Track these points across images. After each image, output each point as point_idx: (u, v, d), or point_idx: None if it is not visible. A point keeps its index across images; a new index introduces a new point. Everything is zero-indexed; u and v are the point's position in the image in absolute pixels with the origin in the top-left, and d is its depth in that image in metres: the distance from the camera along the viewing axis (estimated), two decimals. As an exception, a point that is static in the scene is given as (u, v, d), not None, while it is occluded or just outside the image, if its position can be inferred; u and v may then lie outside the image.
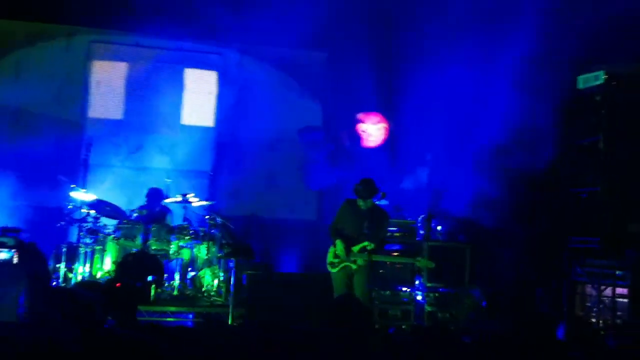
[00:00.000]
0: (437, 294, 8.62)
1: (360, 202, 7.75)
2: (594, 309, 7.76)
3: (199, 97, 11.06)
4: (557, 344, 5.52)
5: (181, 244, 8.73)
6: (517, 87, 8.98)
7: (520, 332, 5.42)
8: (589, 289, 7.92)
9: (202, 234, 8.89)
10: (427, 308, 8.59)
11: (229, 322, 7.84)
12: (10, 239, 7.86)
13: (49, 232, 8.49)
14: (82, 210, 8.67)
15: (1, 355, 3.87)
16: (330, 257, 7.75)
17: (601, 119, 8.43)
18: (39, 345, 3.93)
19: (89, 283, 8.15)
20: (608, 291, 7.73)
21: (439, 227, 9.21)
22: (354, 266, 7.62)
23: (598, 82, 8.46)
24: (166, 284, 8.58)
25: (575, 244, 8.32)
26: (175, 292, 8.53)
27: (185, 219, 9.09)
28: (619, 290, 7.63)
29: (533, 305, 8.59)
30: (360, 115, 10.89)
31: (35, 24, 10.44)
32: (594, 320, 7.72)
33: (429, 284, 8.63)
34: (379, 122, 10.95)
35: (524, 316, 7.77)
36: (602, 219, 8.22)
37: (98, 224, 8.68)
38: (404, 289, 8.72)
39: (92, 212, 8.68)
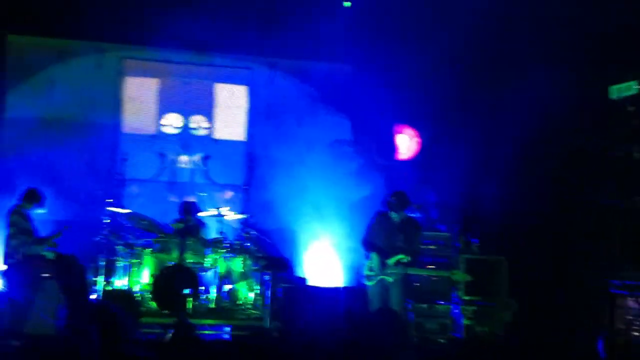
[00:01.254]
0: (474, 307, 8.55)
1: (393, 215, 7.75)
2: (636, 322, 7.69)
3: (229, 111, 11.14)
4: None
5: (216, 257, 8.75)
6: (548, 97, 8.94)
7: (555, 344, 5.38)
8: (630, 302, 7.85)
9: (237, 247, 8.92)
10: (465, 322, 8.53)
11: (266, 335, 7.83)
12: (49, 253, 7.95)
13: (86, 246, 8.53)
14: (119, 224, 8.73)
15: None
16: (366, 270, 7.75)
17: (635, 129, 8.40)
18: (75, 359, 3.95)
19: (120, 294, 8.17)
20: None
21: (474, 240, 9.15)
22: (389, 279, 7.60)
23: (631, 93, 8.43)
24: (202, 297, 8.59)
25: (613, 256, 8.26)
26: (212, 305, 8.54)
27: (220, 233, 9.12)
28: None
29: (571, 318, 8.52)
30: (393, 128, 10.91)
31: (67, 41, 10.59)
32: (635, 333, 7.65)
33: (465, 297, 8.57)
34: (411, 134, 10.95)
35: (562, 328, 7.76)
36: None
37: (135, 238, 8.73)
38: (440, 302, 8.68)
39: (129, 225, 8.73)
